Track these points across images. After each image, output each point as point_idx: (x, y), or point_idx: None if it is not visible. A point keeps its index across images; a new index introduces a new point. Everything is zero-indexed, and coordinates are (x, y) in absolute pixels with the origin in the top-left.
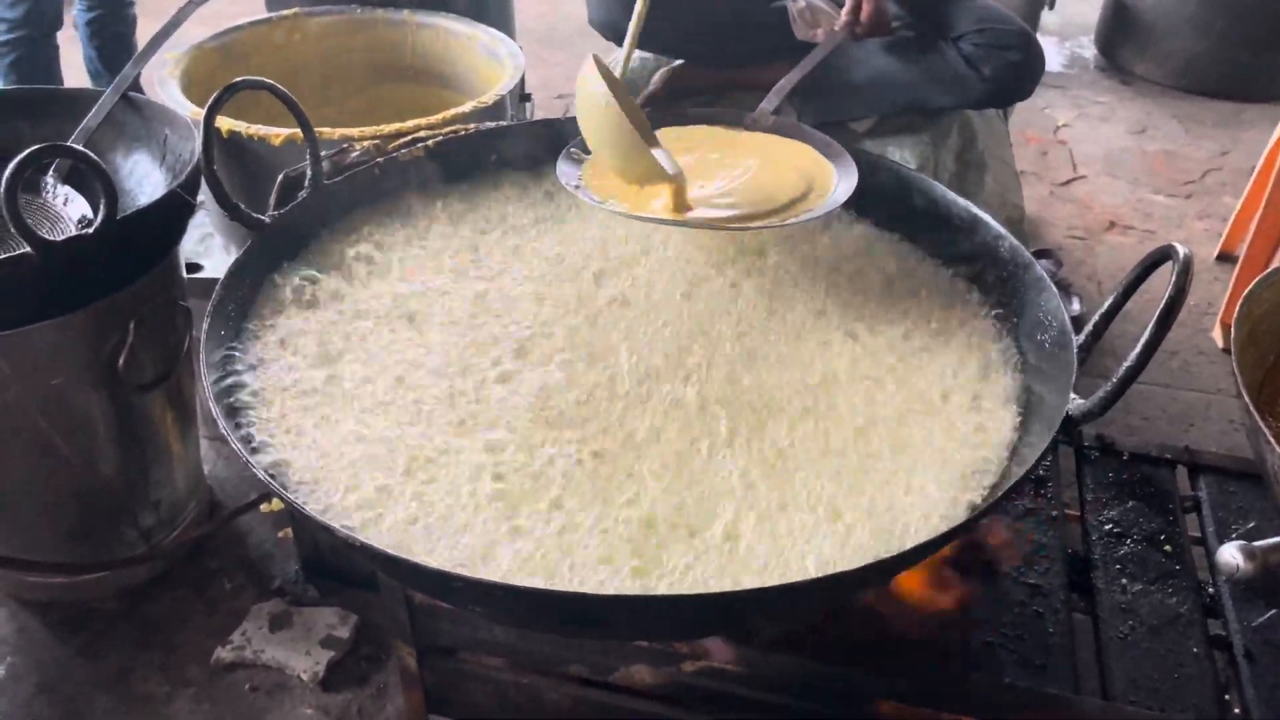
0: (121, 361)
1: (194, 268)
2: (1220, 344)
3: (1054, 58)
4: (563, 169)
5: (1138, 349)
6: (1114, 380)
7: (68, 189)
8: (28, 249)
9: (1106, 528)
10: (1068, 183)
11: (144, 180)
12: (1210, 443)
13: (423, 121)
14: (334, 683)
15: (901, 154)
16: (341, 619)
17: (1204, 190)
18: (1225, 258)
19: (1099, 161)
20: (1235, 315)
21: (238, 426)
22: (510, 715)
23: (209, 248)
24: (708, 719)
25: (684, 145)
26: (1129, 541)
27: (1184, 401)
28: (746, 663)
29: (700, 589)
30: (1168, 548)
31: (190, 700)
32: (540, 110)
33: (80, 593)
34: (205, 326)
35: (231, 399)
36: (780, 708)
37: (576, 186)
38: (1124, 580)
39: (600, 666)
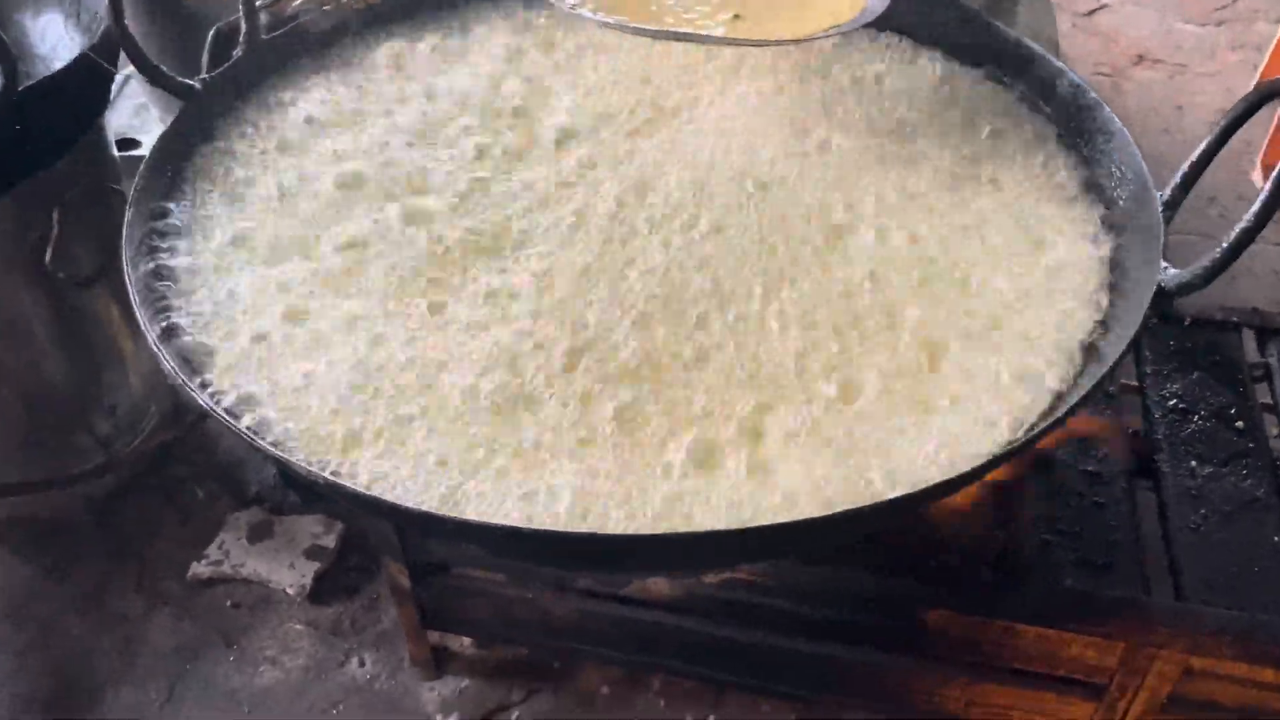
0: (49, 254)
1: (129, 144)
2: (1261, 187)
3: None
4: None
5: (1255, 207)
6: (1224, 245)
7: None
8: None
9: (1170, 403)
10: (1091, 13)
11: (58, 44)
12: (1257, 296)
13: None
14: (323, 595)
15: None
16: (326, 527)
17: (1237, 17)
18: None
19: None
20: None
21: (167, 331)
22: (514, 629)
23: (145, 121)
24: (732, 631)
25: None
26: (1196, 418)
27: None
28: (777, 573)
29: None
30: (1239, 423)
31: (169, 618)
32: None
33: (41, 508)
34: (128, 217)
35: (164, 303)
36: (814, 620)
37: (573, 6)
38: (1192, 462)
39: (610, 579)
